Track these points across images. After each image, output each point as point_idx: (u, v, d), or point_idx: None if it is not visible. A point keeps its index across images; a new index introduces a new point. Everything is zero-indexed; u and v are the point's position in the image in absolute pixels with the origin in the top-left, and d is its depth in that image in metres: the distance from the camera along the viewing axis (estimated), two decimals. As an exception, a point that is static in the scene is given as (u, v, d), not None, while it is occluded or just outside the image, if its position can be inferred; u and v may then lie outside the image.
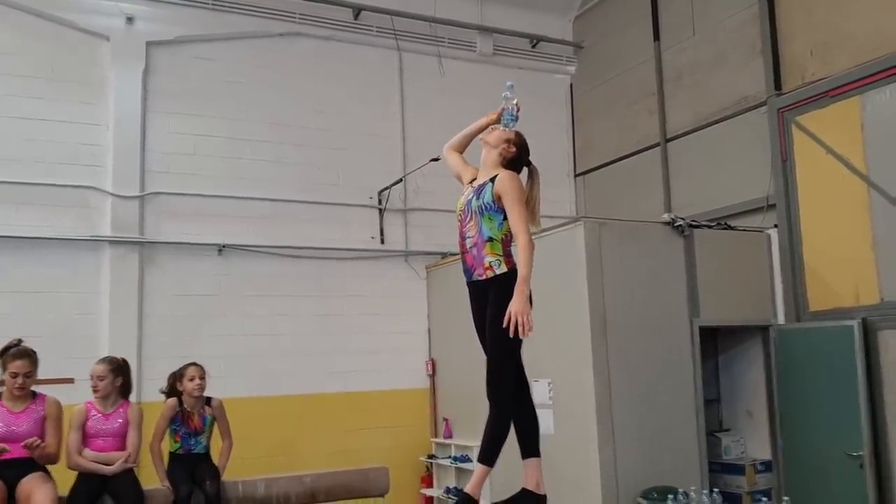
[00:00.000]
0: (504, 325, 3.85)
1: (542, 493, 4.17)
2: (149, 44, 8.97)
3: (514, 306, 3.85)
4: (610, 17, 11.01)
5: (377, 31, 10.24)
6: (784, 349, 7.92)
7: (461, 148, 4.64)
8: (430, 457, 9.73)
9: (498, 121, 4.39)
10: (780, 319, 8.16)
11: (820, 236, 7.85)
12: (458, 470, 9.00)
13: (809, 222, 7.95)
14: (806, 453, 7.60)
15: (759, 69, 8.60)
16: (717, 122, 9.18)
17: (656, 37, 10.09)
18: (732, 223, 8.47)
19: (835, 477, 7.27)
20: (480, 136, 4.45)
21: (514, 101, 4.33)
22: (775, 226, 8.26)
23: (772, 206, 8.33)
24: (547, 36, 11.31)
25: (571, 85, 11.63)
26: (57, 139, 8.43)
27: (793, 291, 8.03)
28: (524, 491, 4.17)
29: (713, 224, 8.33)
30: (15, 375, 5.14)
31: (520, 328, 3.83)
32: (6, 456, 4.97)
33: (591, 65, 11.30)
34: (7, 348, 5.24)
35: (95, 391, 5.53)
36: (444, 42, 10.62)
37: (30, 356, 5.24)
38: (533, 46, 11.31)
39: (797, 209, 8.06)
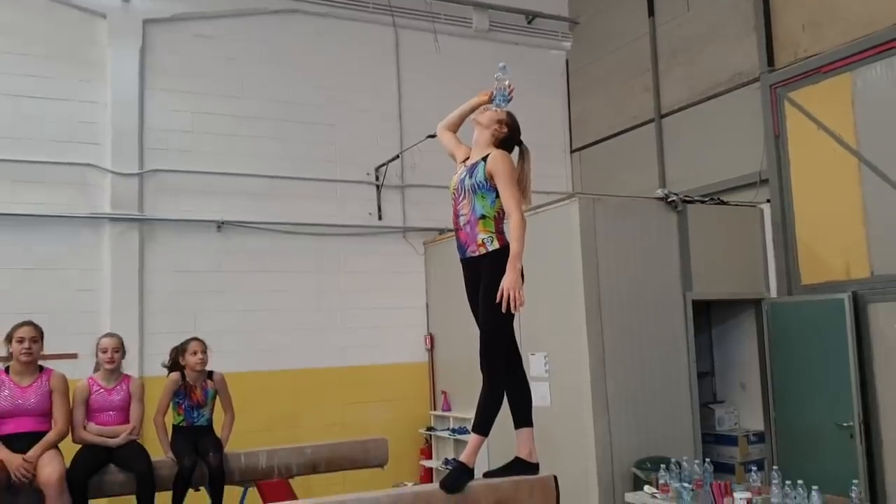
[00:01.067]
0: (497, 300, 3.97)
1: (535, 461, 4.29)
2: (146, 21, 8.97)
3: (507, 282, 3.97)
4: (606, -8, 11.02)
5: (373, 8, 10.25)
6: (776, 322, 8.03)
7: (454, 127, 4.71)
8: (429, 429, 9.88)
9: (490, 101, 4.45)
10: (773, 293, 8.26)
11: (812, 211, 7.94)
12: (457, 441, 9.14)
13: (801, 197, 8.03)
14: (798, 424, 7.73)
15: (752, 45, 8.64)
16: (711, 97, 9.24)
17: (651, 13, 10.11)
18: (725, 198, 8.55)
19: (826, 447, 7.39)
20: (472, 116, 4.51)
21: (507, 82, 4.38)
22: (768, 201, 8.34)
23: (764, 182, 8.41)
24: (542, 12, 11.31)
25: (567, 61, 11.65)
26: (55, 117, 8.47)
27: (785, 265, 8.13)
28: (517, 459, 4.29)
29: (706, 199, 8.41)
30: (21, 340, 5.25)
31: (511, 303, 3.95)
32: (14, 429, 5.11)
33: (587, 41, 11.32)
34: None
35: (111, 363, 5.65)
36: (439, 18, 10.63)
37: (35, 325, 5.39)
38: (529, 22, 11.32)
39: (789, 184, 8.14)
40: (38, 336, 5.38)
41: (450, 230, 9.27)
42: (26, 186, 8.26)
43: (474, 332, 4.24)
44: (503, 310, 3.98)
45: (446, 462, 9.17)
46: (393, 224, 10.13)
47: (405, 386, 9.94)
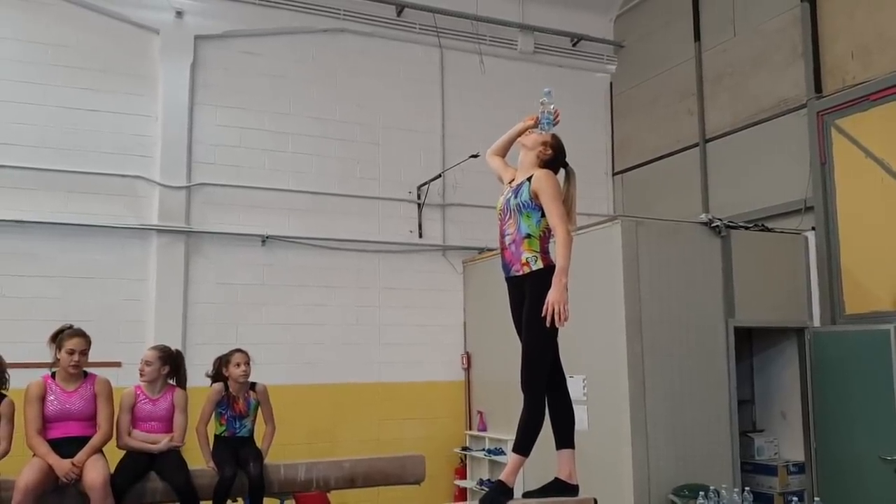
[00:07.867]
0: (542, 314, 4.00)
1: (574, 483, 4.29)
2: (197, 38, 9.18)
3: (552, 296, 4.00)
4: (651, 16, 11.03)
5: (420, 29, 10.37)
6: (819, 351, 7.92)
7: (502, 152, 4.80)
8: (465, 449, 9.85)
9: (535, 126, 4.52)
10: (816, 322, 8.16)
11: (857, 240, 7.85)
12: (492, 462, 9.11)
13: (847, 225, 7.95)
14: (839, 456, 7.60)
15: (799, 71, 8.61)
16: (756, 123, 9.19)
17: (697, 37, 10.10)
18: (770, 225, 8.48)
19: (868, 481, 7.27)
20: (518, 139, 4.60)
21: (552, 107, 4.45)
22: (812, 228, 8.27)
23: (809, 209, 8.34)
24: (588, 35, 11.35)
25: (611, 84, 11.66)
26: (107, 130, 8.66)
27: (829, 294, 8.03)
28: (556, 480, 4.30)
29: (750, 225, 8.34)
30: (72, 352, 5.33)
31: (556, 317, 3.97)
32: (61, 434, 5.21)
33: (632, 64, 11.34)
34: (61, 330, 5.46)
35: (141, 374, 5.75)
36: (485, 40, 10.72)
37: (85, 336, 5.47)
38: (573, 45, 11.37)
39: (835, 212, 8.06)
40: (87, 347, 5.47)
41: (489, 249, 9.38)
42: (78, 197, 8.45)
43: (512, 351, 4.26)
44: (548, 324, 4.01)
45: (481, 483, 9.14)
46: (433, 242, 10.19)
47: (441, 404, 9.94)
